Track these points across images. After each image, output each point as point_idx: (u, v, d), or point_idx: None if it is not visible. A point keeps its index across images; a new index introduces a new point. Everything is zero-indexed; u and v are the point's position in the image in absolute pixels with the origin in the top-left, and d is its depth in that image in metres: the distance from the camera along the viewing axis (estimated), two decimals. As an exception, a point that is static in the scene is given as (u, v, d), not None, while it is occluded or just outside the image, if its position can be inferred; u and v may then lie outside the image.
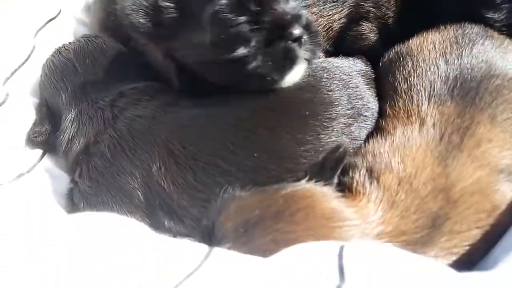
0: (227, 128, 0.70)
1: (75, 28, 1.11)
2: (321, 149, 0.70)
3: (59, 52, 0.87)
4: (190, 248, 0.45)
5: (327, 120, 0.72)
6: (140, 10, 0.70)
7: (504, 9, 0.84)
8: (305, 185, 0.61)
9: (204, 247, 0.46)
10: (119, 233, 0.46)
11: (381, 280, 0.40)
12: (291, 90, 0.73)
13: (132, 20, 0.70)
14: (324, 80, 0.76)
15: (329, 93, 0.74)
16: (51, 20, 1.03)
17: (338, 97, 0.75)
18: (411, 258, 0.48)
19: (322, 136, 0.71)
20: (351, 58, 0.89)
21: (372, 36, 1.00)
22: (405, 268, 0.42)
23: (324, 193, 0.60)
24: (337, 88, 0.76)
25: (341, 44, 1.02)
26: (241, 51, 0.68)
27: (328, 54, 0.98)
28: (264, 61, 0.69)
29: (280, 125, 0.70)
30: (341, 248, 0.44)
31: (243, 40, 0.68)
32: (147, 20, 0.70)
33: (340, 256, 0.42)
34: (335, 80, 0.77)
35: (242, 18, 0.67)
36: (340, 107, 0.74)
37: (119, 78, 0.82)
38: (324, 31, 0.98)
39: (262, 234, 0.55)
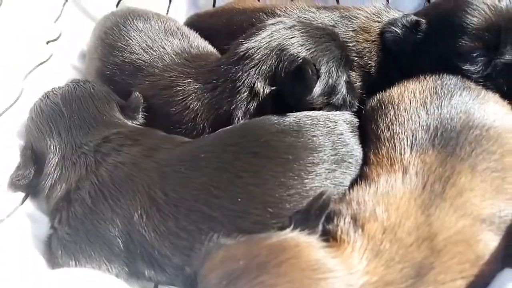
0: (210, 172, 0.71)
1: (70, 73, 1.14)
2: (305, 194, 0.71)
3: (47, 96, 0.88)
4: None
5: (310, 164, 0.73)
6: None
7: (479, 62, 0.90)
8: (290, 234, 0.61)
9: None
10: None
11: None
12: (274, 134, 0.75)
13: None
14: (308, 125, 0.78)
15: (313, 138, 0.76)
16: (41, 63, 1.05)
17: (322, 142, 0.77)
18: None
19: (306, 180, 0.72)
20: (339, 111, 0.92)
21: (356, 84, 1.04)
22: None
23: (309, 243, 0.60)
24: (321, 134, 0.78)
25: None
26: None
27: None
28: None
29: (264, 169, 0.71)
30: None
31: None
32: None
33: None
34: (319, 126, 0.80)
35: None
36: (324, 153, 0.76)
37: (105, 123, 0.83)
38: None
39: (247, 283, 0.54)
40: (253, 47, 0.85)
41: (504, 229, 0.68)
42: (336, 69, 0.87)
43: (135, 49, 0.99)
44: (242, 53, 0.85)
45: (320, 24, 0.99)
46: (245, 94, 0.83)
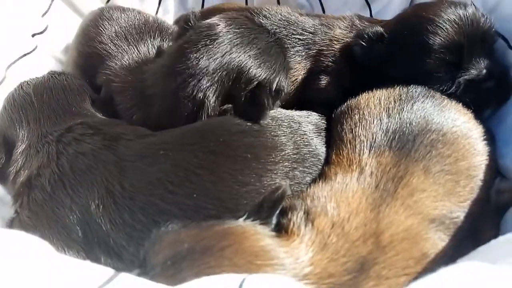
0: (167, 168, 0.75)
1: (53, 66, 1.19)
2: (262, 190, 0.75)
3: (21, 86, 0.93)
4: (94, 270, 0.48)
5: (270, 163, 0.77)
6: None
7: (443, 80, 0.92)
8: (239, 223, 0.65)
9: (109, 271, 0.48)
10: (24, 249, 0.48)
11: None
12: (234, 134, 0.79)
13: None
14: (271, 126, 0.83)
15: (274, 138, 0.81)
16: (25, 55, 1.10)
17: (283, 142, 0.81)
18: None
19: (264, 178, 0.76)
20: (305, 112, 0.96)
21: (330, 89, 1.09)
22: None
23: (256, 231, 0.64)
24: (283, 134, 0.82)
25: (305, 96, 1.11)
26: None
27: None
28: None
29: (221, 166, 0.75)
30: (243, 279, 0.47)
31: None
32: None
33: (241, 286, 0.45)
34: (282, 127, 0.84)
35: None
36: (284, 152, 0.80)
37: (72, 114, 0.87)
38: (291, 82, 1.08)
39: (189, 267, 0.58)
40: (210, 67, 0.83)
41: (454, 229, 0.72)
42: (285, 82, 0.90)
43: (103, 39, 1.03)
44: (195, 69, 0.83)
45: (268, 30, 0.96)
46: (191, 107, 0.83)
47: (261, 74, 0.86)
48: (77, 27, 1.23)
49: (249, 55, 0.86)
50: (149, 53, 1.02)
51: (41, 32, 1.16)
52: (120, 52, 1.01)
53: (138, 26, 1.06)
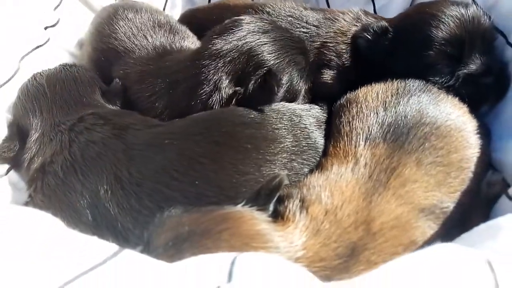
0: (172, 157, 0.80)
1: (66, 58, 1.24)
2: (261, 179, 0.79)
3: (34, 77, 0.98)
4: (101, 245, 0.53)
5: (269, 154, 0.82)
6: None
7: (444, 73, 0.96)
8: (238, 208, 0.70)
9: (114, 246, 0.53)
10: (37, 224, 0.54)
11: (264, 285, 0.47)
12: (238, 125, 0.84)
13: None
14: (272, 119, 0.87)
15: (274, 130, 0.85)
16: (38, 47, 1.16)
17: (283, 134, 0.86)
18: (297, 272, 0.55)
19: (263, 168, 0.80)
20: (308, 104, 1.01)
21: (333, 82, 1.13)
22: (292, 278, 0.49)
23: (253, 216, 0.68)
24: (284, 127, 0.87)
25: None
26: None
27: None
28: None
29: (223, 156, 0.80)
30: (235, 257, 0.52)
31: None
32: None
33: (233, 263, 0.50)
34: (283, 120, 0.88)
35: None
36: (284, 144, 0.84)
37: (83, 105, 0.92)
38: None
39: (189, 248, 0.62)
40: (225, 48, 0.92)
41: (443, 219, 0.76)
42: (298, 81, 0.97)
43: (119, 36, 1.08)
44: (213, 51, 0.92)
45: (295, 35, 1.06)
46: (208, 88, 0.90)
47: (270, 60, 0.92)
48: (88, 21, 1.29)
49: (262, 42, 0.93)
50: (164, 48, 1.07)
51: (53, 25, 1.21)
52: (137, 47, 1.06)
53: (152, 25, 1.11)
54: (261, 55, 0.91)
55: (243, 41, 0.92)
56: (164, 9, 1.49)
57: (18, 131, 0.95)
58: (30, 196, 0.85)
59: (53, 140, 0.86)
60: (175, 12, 1.50)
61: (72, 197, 0.80)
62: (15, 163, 0.94)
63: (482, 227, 0.60)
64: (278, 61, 0.93)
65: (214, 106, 0.90)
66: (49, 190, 0.81)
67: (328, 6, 1.48)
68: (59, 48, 1.22)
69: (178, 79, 0.94)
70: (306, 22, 1.17)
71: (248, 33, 0.93)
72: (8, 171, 0.94)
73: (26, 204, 0.85)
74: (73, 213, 0.80)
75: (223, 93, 0.90)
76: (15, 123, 0.96)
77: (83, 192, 0.80)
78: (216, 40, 0.93)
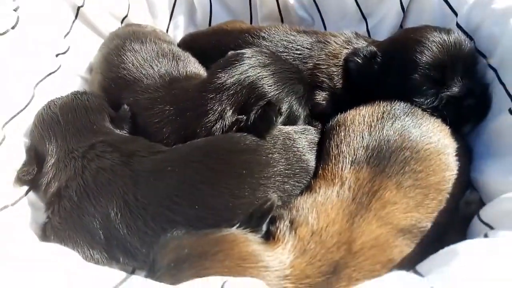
0: (173, 183, 0.90)
1: (77, 83, 1.35)
2: (256, 202, 0.88)
3: (49, 106, 1.08)
4: (111, 273, 0.63)
5: (263, 178, 0.91)
6: None
7: (428, 95, 1.04)
8: (233, 231, 0.79)
9: (123, 274, 0.63)
10: (59, 258, 0.63)
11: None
12: (234, 152, 0.93)
13: None
14: (266, 144, 0.96)
15: (268, 155, 0.94)
16: (50, 74, 1.25)
17: (277, 159, 0.94)
18: None
19: (257, 191, 0.89)
20: (303, 126, 1.10)
21: (325, 103, 1.21)
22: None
23: (246, 238, 0.77)
24: (277, 151, 0.96)
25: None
26: None
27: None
28: None
29: (219, 182, 0.89)
30: (225, 281, 0.61)
31: None
32: None
33: (222, 287, 0.59)
34: (277, 144, 0.97)
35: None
36: (277, 168, 0.93)
37: (94, 132, 1.02)
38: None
39: (188, 269, 0.72)
40: (229, 82, 1.01)
41: (421, 237, 0.84)
42: (297, 108, 1.06)
43: (127, 66, 1.18)
44: (218, 85, 1.02)
45: (293, 65, 1.15)
46: (213, 117, 1.00)
47: (270, 92, 1.02)
48: (97, 46, 1.39)
49: (262, 75, 1.03)
50: (170, 76, 1.17)
51: (64, 52, 1.31)
52: (144, 76, 1.16)
53: (157, 55, 1.21)
54: (261, 88, 1.01)
55: (245, 75, 1.02)
56: (167, 30, 1.58)
57: (36, 156, 1.05)
58: (48, 217, 0.95)
59: (68, 166, 0.96)
60: (178, 32, 1.60)
61: (86, 219, 0.90)
62: (34, 185, 1.05)
63: (443, 251, 0.68)
64: (278, 92, 1.03)
65: (217, 132, 1.00)
66: (65, 213, 0.91)
67: (324, 24, 1.55)
68: (71, 74, 1.32)
69: (185, 107, 1.04)
70: (300, 45, 1.25)
71: (249, 67, 1.03)
72: (27, 192, 1.04)
73: (45, 224, 0.95)
74: (87, 234, 0.90)
75: (227, 122, 1.00)
76: (33, 148, 1.06)
77: (95, 214, 0.90)
78: (220, 74, 1.03)
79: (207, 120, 1.00)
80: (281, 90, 1.03)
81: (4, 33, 1.12)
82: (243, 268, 0.72)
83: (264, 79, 1.02)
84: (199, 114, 1.01)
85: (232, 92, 1.01)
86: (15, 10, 1.19)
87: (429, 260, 0.70)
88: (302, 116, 1.11)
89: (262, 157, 0.93)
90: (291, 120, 1.07)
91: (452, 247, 0.66)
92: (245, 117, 1.02)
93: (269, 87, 1.02)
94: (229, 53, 1.12)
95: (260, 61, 1.05)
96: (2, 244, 0.65)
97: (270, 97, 1.02)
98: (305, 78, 1.15)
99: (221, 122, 1.00)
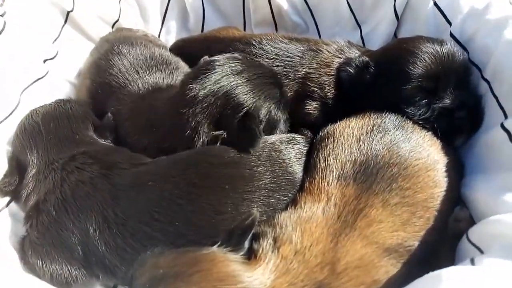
0: (153, 198, 0.86)
1: (65, 88, 1.32)
2: (239, 217, 0.85)
3: (31, 115, 1.06)
4: None
5: (247, 192, 0.88)
6: None
7: (420, 105, 1.01)
8: (212, 250, 0.76)
9: None
10: None
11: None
12: (215, 166, 0.90)
13: None
14: (251, 157, 0.92)
15: (253, 168, 0.91)
16: (38, 79, 1.23)
17: (261, 172, 0.91)
18: None
19: (240, 206, 0.86)
20: (290, 135, 1.06)
21: (316, 113, 1.18)
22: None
23: (226, 258, 0.74)
24: (261, 165, 0.92)
25: (292, 118, 1.20)
26: None
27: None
28: None
29: (200, 197, 0.86)
30: None
31: None
32: None
33: None
34: (262, 156, 0.94)
35: None
36: (262, 181, 0.90)
37: (76, 142, 0.99)
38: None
39: (163, 288, 0.69)
40: (201, 94, 0.95)
41: (407, 256, 0.81)
42: (275, 113, 1.01)
43: (114, 71, 1.15)
44: (190, 98, 0.95)
45: (267, 68, 1.09)
46: (189, 133, 0.94)
47: (247, 101, 0.96)
48: (87, 51, 1.37)
49: (236, 84, 0.97)
50: (156, 83, 1.14)
51: (52, 58, 1.28)
52: (129, 82, 1.13)
53: (145, 60, 1.18)
54: (237, 97, 0.95)
55: (218, 85, 0.95)
56: (159, 35, 1.55)
57: (17, 165, 1.03)
58: (26, 231, 0.92)
59: (47, 178, 0.93)
60: (170, 37, 1.57)
61: (64, 234, 0.87)
62: (15, 196, 1.02)
63: (428, 275, 0.65)
64: (254, 100, 0.96)
65: (197, 146, 0.96)
66: (43, 227, 0.89)
67: (318, 29, 1.53)
68: (59, 79, 1.30)
69: (160, 122, 1.00)
70: (291, 53, 1.22)
71: (222, 76, 0.96)
72: (8, 203, 1.02)
73: (24, 238, 0.92)
74: (65, 250, 0.87)
75: (203, 137, 0.95)
76: (15, 158, 1.04)
77: (74, 230, 0.87)
78: (192, 86, 0.96)
79: (181, 135, 0.95)
80: (258, 98, 0.97)
81: (-11, 38, 1.10)
82: (219, 291, 0.70)
83: (239, 87, 0.96)
84: (174, 129, 0.97)
85: (205, 104, 0.95)
86: (1, 16, 1.17)
87: (414, 284, 0.67)
88: (282, 120, 1.06)
89: (246, 170, 0.90)
90: (270, 125, 1.03)
91: (437, 272, 0.64)
92: (225, 133, 0.96)
93: (244, 96, 0.96)
94: (201, 60, 1.07)
95: (233, 68, 0.98)
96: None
97: (247, 106, 0.96)
98: (280, 80, 1.11)
99: (198, 138, 0.95)
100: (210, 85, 0.95)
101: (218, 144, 0.95)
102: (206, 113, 0.95)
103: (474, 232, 0.78)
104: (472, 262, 0.69)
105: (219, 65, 0.98)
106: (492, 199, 0.81)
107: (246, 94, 0.96)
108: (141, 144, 1.02)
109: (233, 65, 0.99)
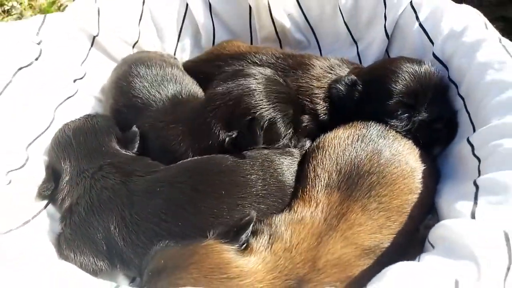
0: (161, 203, 0.99)
1: (93, 104, 1.44)
2: (234, 219, 0.95)
3: (63, 129, 1.19)
4: (103, 284, 0.73)
5: (240, 198, 0.98)
6: None
7: (402, 119, 1.10)
8: (208, 241, 0.85)
9: (113, 284, 0.73)
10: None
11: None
12: (216, 173, 1.01)
13: None
14: (245, 166, 1.03)
15: (246, 176, 1.01)
16: (69, 97, 1.36)
17: (254, 179, 1.01)
18: None
19: (234, 211, 0.97)
20: (283, 148, 1.14)
21: (309, 125, 1.27)
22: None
23: (221, 248, 0.83)
24: (254, 173, 1.02)
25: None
26: None
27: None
28: None
29: (201, 202, 0.97)
30: None
31: None
32: None
33: None
34: (255, 166, 1.04)
35: None
36: (254, 188, 1.00)
37: (103, 154, 1.12)
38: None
39: (165, 278, 0.80)
40: (217, 93, 1.09)
41: (382, 257, 0.89)
42: (280, 127, 1.10)
43: (136, 93, 1.27)
44: (207, 96, 1.11)
45: (290, 88, 1.18)
46: (216, 132, 1.07)
47: (256, 107, 1.06)
48: (110, 71, 1.48)
49: (251, 91, 1.07)
50: (176, 98, 1.26)
51: (81, 78, 1.41)
52: (153, 101, 1.25)
53: (161, 78, 1.30)
54: (246, 102, 1.06)
55: (234, 89, 1.07)
56: (174, 53, 1.67)
57: (53, 173, 1.16)
58: (62, 229, 1.06)
59: (79, 185, 1.07)
60: (184, 54, 1.68)
61: (91, 231, 1.01)
62: (52, 199, 1.16)
63: (383, 271, 0.75)
64: (263, 109, 1.06)
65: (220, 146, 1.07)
66: (75, 226, 1.02)
67: (319, 46, 1.62)
68: (87, 96, 1.43)
69: (194, 125, 1.12)
70: (286, 66, 1.32)
71: (241, 82, 1.08)
72: (46, 205, 1.15)
73: (59, 234, 1.06)
74: (92, 244, 1.01)
75: (221, 137, 1.07)
76: (50, 166, 1.17)
77: (99, 228, 1.00)
78: (215, 87, 1.10)
79: (209, 133, 1.07)
80: (267, 107, 1.06)
81: (29, 64, 1.24)
82: (213, 280, 0.80)
83: (251, 95, 1.06)
84: (202, 129, 1.09)
85: (217, 103, 1.08)
86: (38, 44, 1.31)
87: (373, 278, 0.76)
88: (287, 135, 1.14)
89: (240, 178, 1.01)
90: (272, 136, 1.11)
91: (387, 267, 0.73)
92: (234, 134, 1.07)
93: (255, 102, 1.06)
94: (222, 75, 1.18)
95: (256, 78, 1.09)
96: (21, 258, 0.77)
97: (255, 112, 1.05)
98: (299, 104, 1.20)
99: (218, 135, 1.07)
100: (229, 87, 1.08)
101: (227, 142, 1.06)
102: (218, 111, 1.07)
103: (432, 232, 0.86)
104: (419, 259, 0.78)
105: (247, 74, 1.10)
106: (447, 206, 0.89)
107: (257, 101, 1.06)
108: (179, 150, 1.13)
109: (258, 76, 1.10)
